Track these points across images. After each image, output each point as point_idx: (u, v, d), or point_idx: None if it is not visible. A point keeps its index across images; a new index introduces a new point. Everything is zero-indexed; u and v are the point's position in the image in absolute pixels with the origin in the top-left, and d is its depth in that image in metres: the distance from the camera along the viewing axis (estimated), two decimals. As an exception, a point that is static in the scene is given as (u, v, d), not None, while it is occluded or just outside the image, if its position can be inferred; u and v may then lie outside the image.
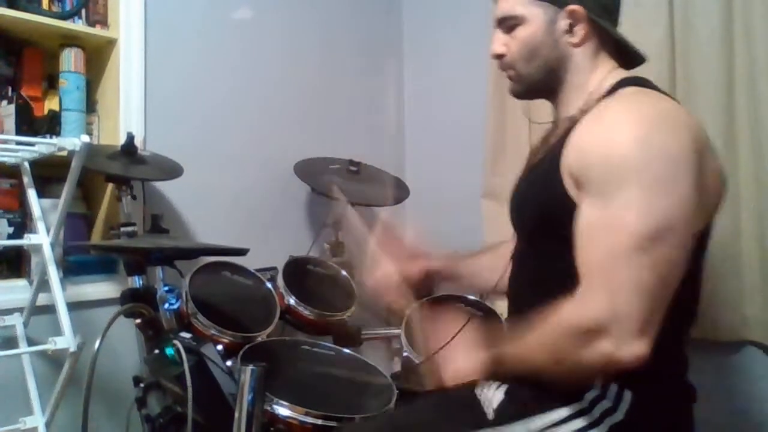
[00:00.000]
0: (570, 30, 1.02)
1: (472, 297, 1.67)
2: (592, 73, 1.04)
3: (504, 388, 1.01)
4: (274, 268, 1.74)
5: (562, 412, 0.94)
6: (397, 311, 1.27)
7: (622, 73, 1.04)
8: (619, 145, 0.86)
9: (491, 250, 1.32)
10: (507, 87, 1.14)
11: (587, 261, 0.88)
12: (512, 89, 1.12)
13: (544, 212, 1.00)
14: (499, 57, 1.09)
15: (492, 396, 1.02)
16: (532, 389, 0.96)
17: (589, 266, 0.87)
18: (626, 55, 1.08)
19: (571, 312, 0.87)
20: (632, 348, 0.82)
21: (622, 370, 0.84)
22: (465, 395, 1.04)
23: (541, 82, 1.07)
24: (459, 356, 1.01)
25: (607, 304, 0.84)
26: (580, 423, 0.93)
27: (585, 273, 0.88)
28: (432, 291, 2.05)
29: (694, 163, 0.86)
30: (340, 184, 1.92)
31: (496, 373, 0.99)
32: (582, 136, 0.93)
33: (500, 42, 1.08)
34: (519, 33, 1.04)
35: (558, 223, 0.94)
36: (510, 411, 0.98)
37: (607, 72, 1.04)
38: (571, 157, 0.94)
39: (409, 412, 1.11)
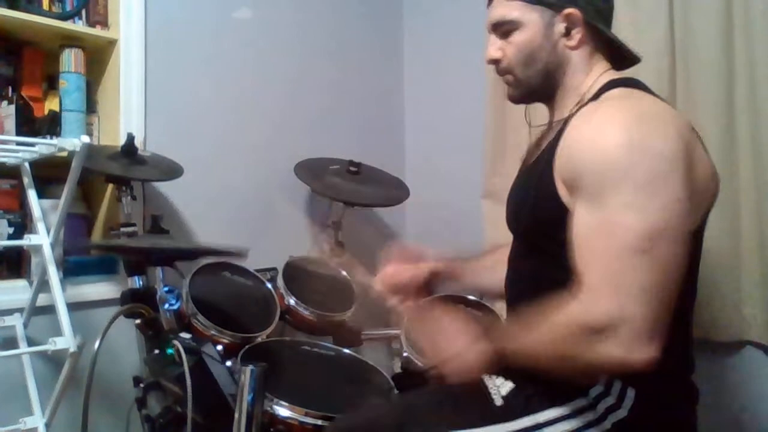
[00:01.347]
0: (567, 33, 1.03)
1: (472, 298, 1.67)
2: (587, 75, 1.05)
3: (511, 381, 1.02)
4: (274, 269, 1.74)
5: (568, 408, 0.94)
6: (401, 313, 1.27)
7: (612, 75, 1.05)
8: (608, 150, 0.87)
9: (492, 252, 1.32)
10: (504, 92, 1.14)
11: (588, 264, 0.87)
12: (510, 94, 1.12)
13: (538, 214, 1.00)
14: (495, 62, 1.09)
15: (500, 384, 1.02)
16: (538, 384, 0.97)
17: (592, 269, 0.87)
18: (620, 56, 1.08)
19: (578, 311, 0.86)
20: (643, 351, 0.82)
21: (631, 373, 0.84)
22: (472, 383, 1.03)
23: (539, 85, 1.07)
24: (460, 349, 0.99)
25: (615, 306, 0.83)
26: (584, 419, 0.93)
27: (588, 276, 0.87)
28: (434, 292, 2.06)
29: (683, 160, 0.87)
30: (340, 184, 1.92)
31: (498, 367, 0.98)
32: (571, 142, 0.94)
33: (495, 47, 1.08)
34: (515, 38, 1.04)
35: (552, 225, 0.94)
36: (517, 402, 0.98)
37: (599, 74, 1.04)
38: (562, 162, 0.95)
39: (414, 399, 1.11)
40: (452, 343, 0.99)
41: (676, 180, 0.85)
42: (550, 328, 0.89)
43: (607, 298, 0.84)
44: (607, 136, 0.88)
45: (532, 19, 1.03)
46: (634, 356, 0.82)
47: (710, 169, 0.97)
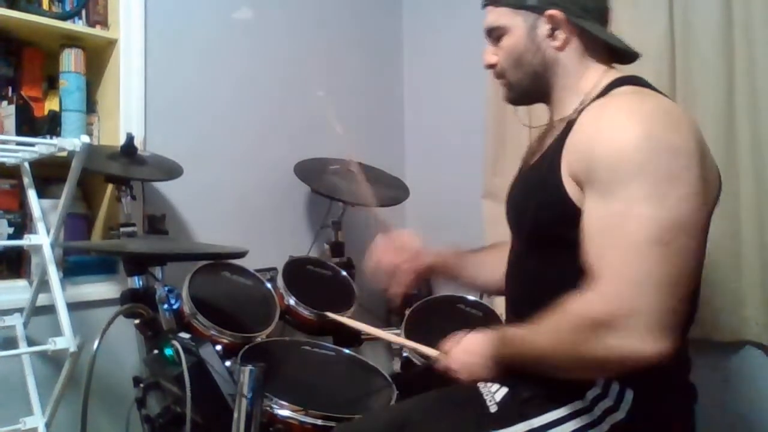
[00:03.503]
0: (551, 34, 1.04)
1: (472, 298, 1.67)
2: (582, 74, 1.05)
3: (506, 386, 1.02)
4: (274, 269, 1.74)
5: (564, 411, 0.94)
6: (393, 299, 1.30)
7: (616, 74, 1.05)
8: (624, 143, 0.86)
9: (493, 249, 1.32)
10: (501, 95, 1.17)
11: (602, 256, 0.87)
12: (506, 96, 1.15)
13: (543, 215, 1.00)
14: (491, 67, 1.13)
15: (495, 390, 1.02)
16: (534, 387, 0.97)
17: (604, 260, 0.86)
18: (617, 54, 1.08)
19: (589, 304, 0.86)
20: (656, 344, 0.81)
21: (642, 368, 0.83)
22: (467, 390, 1.05)
23: (530, 87, 1.09)
24: (466, 340, 1.05)
25: (628, 297, 0.83)
26: (581, 421, 0.93)
27: (600, 267, 0.86)
28: (431, 283, 2.07)
29: (698, 157, 0.88)
30: (340, 185, 1.92)
31: (503, 356, 0.98)
32: (582, 137, 0.93)
33: (490, 52, 1.12)
34: (504, 43, 1.08)
35: (558, 225, 0.94)
36: (512, 408, 0.97)
37: (601, 72, 1.04)
38: (571, 159, 0.94)
39: (410, 407, 1.11)
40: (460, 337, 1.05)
41: (692, 174, 0.86)
42: (558, 324, 0.89)
43: (620, 290, 0.83)
44: (621, 129, 0.88)
45: (517, 23, 1.05)
46: (647, 349, 0.81)
47: (715, 167, 0.98)
